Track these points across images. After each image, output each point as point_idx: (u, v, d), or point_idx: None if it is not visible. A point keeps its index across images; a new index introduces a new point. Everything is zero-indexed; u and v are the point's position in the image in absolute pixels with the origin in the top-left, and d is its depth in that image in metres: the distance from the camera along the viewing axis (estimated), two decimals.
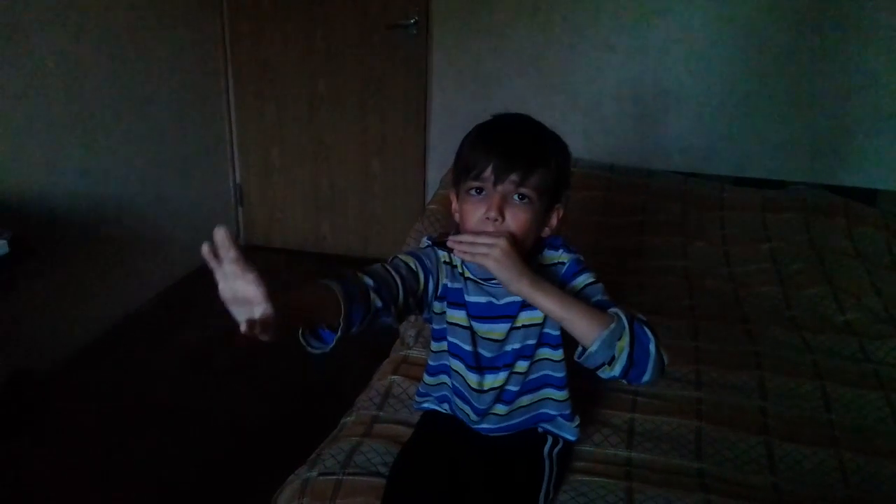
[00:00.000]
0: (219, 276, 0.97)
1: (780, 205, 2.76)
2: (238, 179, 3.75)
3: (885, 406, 1.71)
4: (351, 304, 1.13)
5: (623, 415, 1.64)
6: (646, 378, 1.20)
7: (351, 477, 1.40)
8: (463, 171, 1.26)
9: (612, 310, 1.21)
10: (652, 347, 1.19)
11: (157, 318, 3.11)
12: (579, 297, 1.27)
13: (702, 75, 3.06)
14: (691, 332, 2.00)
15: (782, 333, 2.01)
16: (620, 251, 2.48)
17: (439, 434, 1.46)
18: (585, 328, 1.19)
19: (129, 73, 2.91)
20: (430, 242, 1.38)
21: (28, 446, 2.30)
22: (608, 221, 2.68)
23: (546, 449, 1.41)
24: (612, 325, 1.17)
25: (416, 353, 1.84)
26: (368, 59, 3.40)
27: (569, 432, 1.45)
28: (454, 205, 1.33)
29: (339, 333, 1.13)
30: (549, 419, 1.44)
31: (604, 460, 1.50)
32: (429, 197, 3.29)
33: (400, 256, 1.33)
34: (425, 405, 1.53)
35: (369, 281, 1.20)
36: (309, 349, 1.14)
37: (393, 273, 1.26)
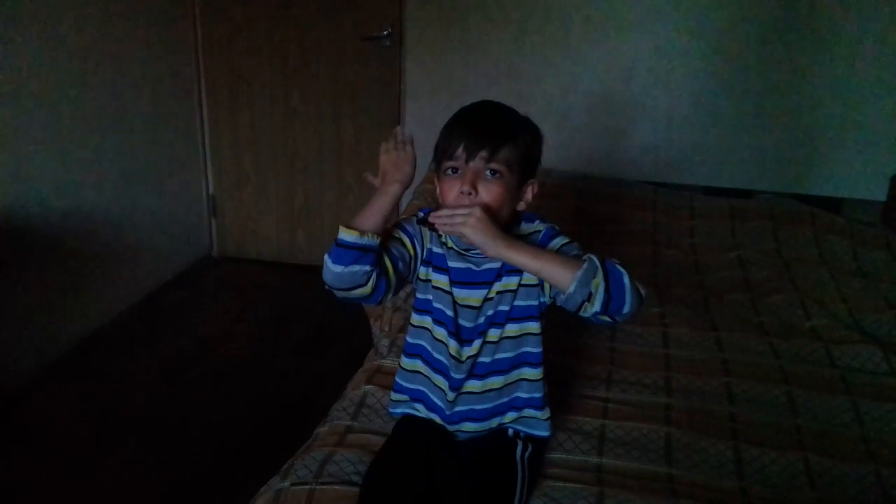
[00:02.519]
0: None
1: (748, 214, 2.81)
2: (211, 190, 3.74)
3: (850, 410, 1.75)
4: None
5: (594, 421, 1.65)
6: (626, 310, 1.28)
7: (324, 486, 1.40)
8: (440, 154, 1.39)
9: (586, 256, 1.31)
10: (626, 280, 1.28)
11: (131, 330, 3.08)
12: None
13: (671, 87, 3.11)
14: (661, 339, 2.02)
15: (750, 340, 2.04)
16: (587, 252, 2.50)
17: (412, 441, 1.47)
18: (561, 273, 1.29)
19: (102, 84, 2.89)
20: (420, 214, 1.45)
21: (1, 459, 2.27)
22: (580, 230, 2.68)
23: (518, 453, 1.42)
24: (585, 265, 1.28)
25: (389, 362, 1.84)
26: (342, 69, 3.41)
27: (540, 428, 1.48)
28: (437, 189, 1.44)
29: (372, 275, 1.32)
30: (521, 407, 1.47)
31: (575, 467, 1.51)
32: (402, 207, 3.30)
33: (388, 230, 1.42)
34: (399, 410, 1.54)
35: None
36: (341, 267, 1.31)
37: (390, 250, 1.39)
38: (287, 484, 1.42)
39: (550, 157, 2.99)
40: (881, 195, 2.99)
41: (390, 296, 1.41)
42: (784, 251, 2.58)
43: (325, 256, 1.32)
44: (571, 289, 1.27)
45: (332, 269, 1.31)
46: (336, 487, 1.40)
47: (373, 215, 1.34)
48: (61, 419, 2.49)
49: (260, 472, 1.53)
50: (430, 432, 1.48)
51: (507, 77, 3.22)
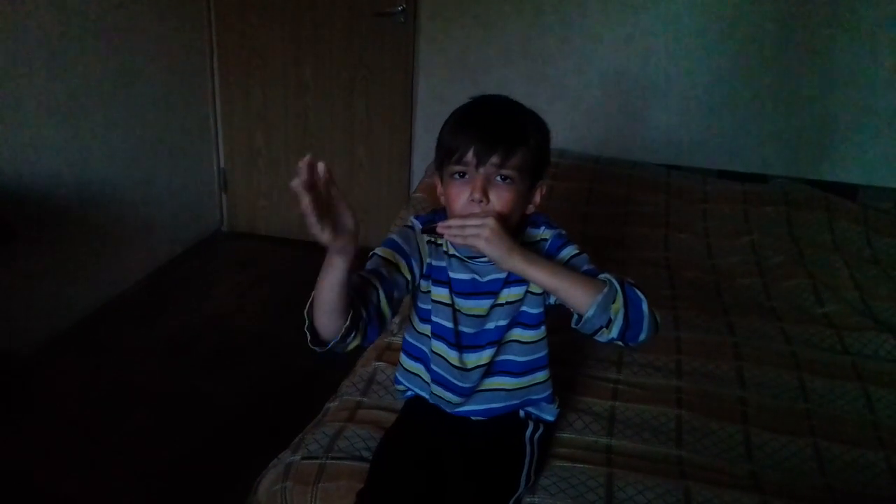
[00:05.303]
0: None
1: (761, 198, 2.79)
2: (222, 164, 3.73)
3: (861, 397, 1.74)
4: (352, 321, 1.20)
5: (604, 403, 1.65)
6: (642, 337, 1.24)
7: (334, 461, 1.41)
8: (445, 156, 1.29)
9: (603, 276, 1.25)
10: (645, 307, 1.23)
11: (140, 302, 3.09)
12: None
13: (687, 68, 3.08)
14: (672, 322, 2.01)
15: (762, 325, 2.04)
16: (604, 241, 2.50)
17: (423, 419, 1.47)
18: (580, 295, 1.22)
19: (114, 56, 2.88)
20: (419, 225, 1.39)
21: (8, 429, 2.29)
22: (592, 212, 2.70)
23: (528, 434, 1.43)
24: (605, 290, 1.21)
25: (399, 339, 1.83)
26: (355, 45, 3.39)
27: (548, 413, 1.48)
28: (439, 188, 1.36)
29: (338, 339, 1.21)
30: (534, 403, 1.46)
31: (585, 447, 1.52)
32: (414, 185, 3.29)
33: (377, 252, 1.34)
34: (409, 393, 1.54)
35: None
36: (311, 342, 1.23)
37: (372, 280, 1.27)
38: (298, 457, 1.43)
39: (565, 137, 3.02)
40: None
41: (389, 325, 1.33)
42: (797, 237, 2.56)
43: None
44: (590, 313, 1.20)
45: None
46: (347, 462, 1.40)
47: (327, 303, 1.17)
48: (71, 390, 2.50)
49: (268, 446, 1.54)
50: (439, 412, 1.48)
51: (521, 56, 3.18)
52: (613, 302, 1.21)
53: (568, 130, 3.14)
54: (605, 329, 1.22)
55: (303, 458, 1.42)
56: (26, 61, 2.48)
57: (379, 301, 1.26)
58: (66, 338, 2.77)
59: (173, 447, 2.25)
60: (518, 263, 1.22)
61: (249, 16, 3.44)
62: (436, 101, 3.33)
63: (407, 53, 3.33)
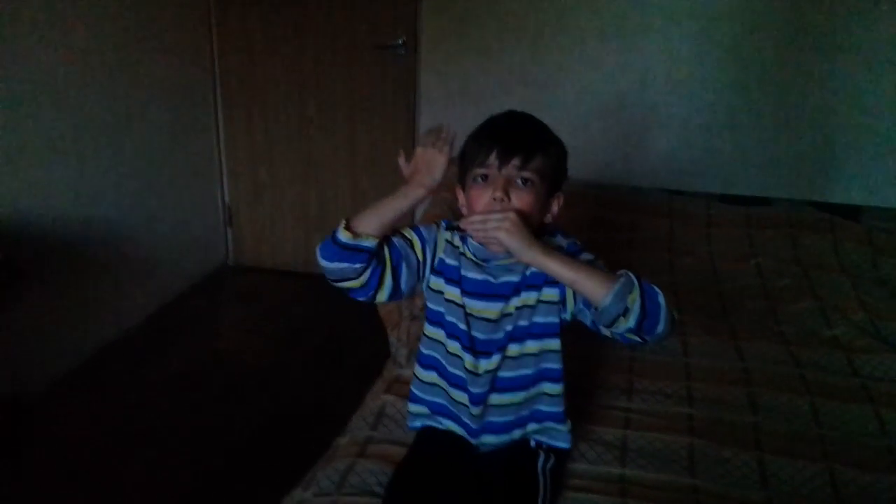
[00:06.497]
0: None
1: (765, 221, 2.79)
2: (227, 199, 3.75)
3: (874, 419, 1.73)
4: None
5: (616, 431, 1.64)
6: (660, 329, 1.25)
7: (346, 497, 1.40)
8: (469, 162, 1.36)
9: (620, 270, 1.28)
10: (661, 300, 1.25)
11: (148, 339, 3.09)
12: None
13: (687, 94, 3.10)
14: (681, 348, 2.01)
15: (771, 348, 2.03)
16: (608, 268, 2.49)
17: (434, 452, 1.46)
18: (597, 286, 1.25)
19: (119, 94, 2.91)
20: (444, 224, 1.44)
21: (16, 471, 2.27)
22: (596, 238, 2.69)
23: (539, 465, 1.42)
24: (623, 279, 1.25)
25: (408, 372, 1.83)
26: (357, 78, 3.42)
27: (561, 440, 1.47)
28: (461, 199, 1.42)
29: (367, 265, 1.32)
30: (542, 419, 1.46)
31: (598, 477, 1.50)
32: (418, 216, 3.30)
33: (398, 229, 1.41)
34: (419, 423, 1.53)
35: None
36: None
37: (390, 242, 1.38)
38: (309, 494, 1.42)
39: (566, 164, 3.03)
40: None
41: (384, 296, 1.38)
42: (803, 259, 2.56)
43: (318, 246, 1.33)
44: (607, 301, 1.23)
45: (320, 261, 1.33)
46: (358, 499, 1.40)
47: (382, 215, 1.32)
48: (77, 429, 2.49)
49: (277, 483, 1.54)
50: (450, 444, 1.47)
51: (522, 85, 3.22)
52: (630, 293, 1.23)
53: (570, 157, 3.13)
54: (622, 318, 1.23)
55: (314, 495, 1.41)
56: (32, 100, 2.51)
57: (386, 261, 1.35)
58: (73, 376, 2.76)
59: (182, 484, 2.24)
60: (537, 255, 1.27)
61: (252, 52, 3.48)
62: None
63: (408, 85, 3.36)
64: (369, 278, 1.33)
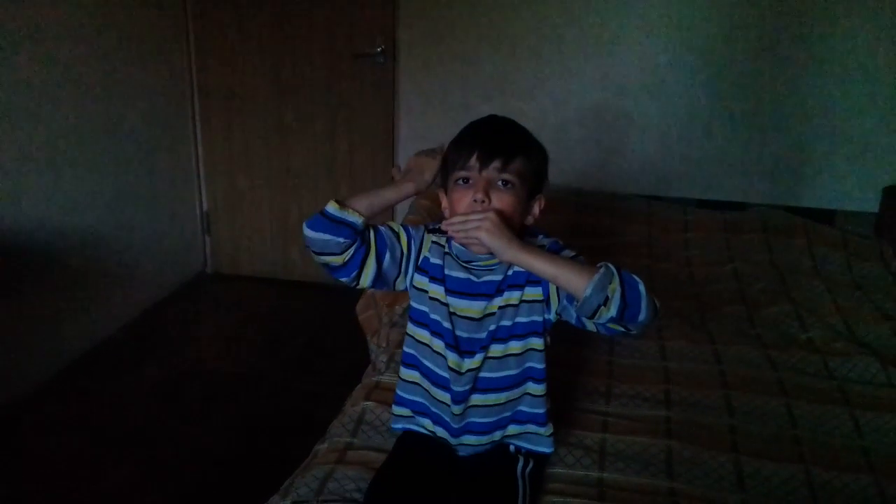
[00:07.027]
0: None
1: (741, 226, 2.82)
2: (205, 207, 3.73)
3: (849, 421, 1.75)
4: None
5: (594, 435, 1.65)
6: (641, 317, 1.26)
7: None
8: (451, 166, 1.39)
9: (600, 263, 1.29)
10: (641, 288, 1.26)
11: (127, 347, 3.06)
12: None
13: (663, 101, 3.13)
14: (660, 352, 2.02)
15: (748, 352, 2.05)
16: None
17: (414, 457, 1.46)
18: (577, 278, 1.26)
19: (95, 102, 2.89)
20: (428, 225, 1.47)
21: None
22: (576, 244, 2.69)
23: (518, 469, 1.42)
24: (602, 270, 1.26)
25: (388, 378, 1.84)
26: (336, 87, 3.42)
27: (543, 444, 1.47)
28: (444, 202, 1.43)
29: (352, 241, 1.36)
30: (523, 421, 1.46)
31: (577, 481, 1.51)
32: (398, 221, 3.30)
33: (387, 223, 1.46)
34: (401, 426, 1.53)
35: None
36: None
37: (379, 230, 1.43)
38: (288, 502, 1.41)
39: None
40: (873, 206, 3.01)
41: (367, 281, 1.40)
42: (778, 263, 2.59)
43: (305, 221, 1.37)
44: (588, 292, 1.24)
45: (304, 231, 1.36)
46: None
47: (372, 199, 1.39)
48: (57, 437, 2.46)
49: (257, 490, 1.52)
50: (430, 449, 1.48)
51: (500, 93, 3.24)
52: (610, 283, 1.24)
53: (549, 165, 3.16)
54: (603, 308, 1.24)
55: (293, 503, 1.41)
56: (6, 110, 2.49)
57: (371, 245, 1.39)
58: (52, 385, 2.73)
59: (163, 492, 2.22)
60: (518, 253, 1.29)
61: (230, 60, 3.47)
62: (417, 139, 3.36)
63: (387, 93, 3.37)
64: (352, 257, 1.36)
